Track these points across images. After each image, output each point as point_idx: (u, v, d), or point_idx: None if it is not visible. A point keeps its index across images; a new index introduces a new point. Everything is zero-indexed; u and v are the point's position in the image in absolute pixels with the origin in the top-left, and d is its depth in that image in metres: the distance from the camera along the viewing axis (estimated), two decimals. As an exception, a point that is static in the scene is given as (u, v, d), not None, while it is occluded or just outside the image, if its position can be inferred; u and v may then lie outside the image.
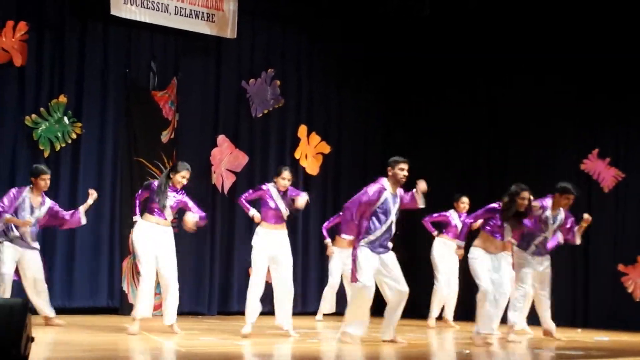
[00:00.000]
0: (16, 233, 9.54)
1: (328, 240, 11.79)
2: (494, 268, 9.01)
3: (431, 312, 11.75)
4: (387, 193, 8.64)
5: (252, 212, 9.40)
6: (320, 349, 8.31)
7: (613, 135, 12.35)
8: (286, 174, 9.38)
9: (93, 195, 9.88)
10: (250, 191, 9.64)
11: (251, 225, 11.93)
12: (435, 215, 11.78)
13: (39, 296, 9.68)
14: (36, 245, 9.71)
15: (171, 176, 9.29)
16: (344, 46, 13.73)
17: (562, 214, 9.99)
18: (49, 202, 9.80)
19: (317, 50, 13.65)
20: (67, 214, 9.87)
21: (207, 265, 12.28)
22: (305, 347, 8.49)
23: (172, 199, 9.26)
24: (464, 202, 11.76)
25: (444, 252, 11.68)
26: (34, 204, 9.63)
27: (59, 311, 10.28)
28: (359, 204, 8.59)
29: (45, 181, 9.65)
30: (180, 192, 9.36)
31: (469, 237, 9.38)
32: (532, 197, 9.28)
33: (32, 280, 9.64)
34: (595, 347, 9.19)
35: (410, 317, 11.02)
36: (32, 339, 5.68)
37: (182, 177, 9.30)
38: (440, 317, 11.88)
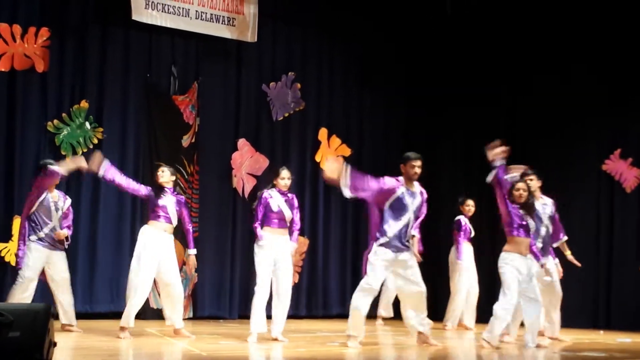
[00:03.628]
0: (45, 231, 9.54)
1: None
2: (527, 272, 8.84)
3: (449, 319, 11.71)
4: (403, 188, 8.60)
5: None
6: (342, 352, 8.31)
7: (635, 136, 12.29)
8: (284, 173, 9.30)
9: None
10: (258, 210, 9.21)
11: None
12: (461, 233, 11.67)
13: (65, 300, 9.66)
14: (62, 246, 9.73)
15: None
16: (364, 49, 13.74)
17: (549, 202, 9.85)
18: (69, 200, 9.88)
19: (337, 53, 13.66)
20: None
21: (228, 269, 12.31)
22: (327, 350, 8.49)
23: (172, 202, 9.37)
24: (469, 204, 11.72)
25: (465, 258, 11.65)
26: (52, 199, 9.65)
27: (81, 316, 10.36)
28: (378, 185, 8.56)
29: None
30: (175, 194, 9.47)
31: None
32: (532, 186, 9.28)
33: (61, 283, 9.64)
34: (617, 348, 9.15)
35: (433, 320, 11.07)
36: (55, 344, 5.73)
37: (161, 171, 9.39)
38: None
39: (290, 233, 9.30)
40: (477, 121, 13.39)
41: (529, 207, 8.96)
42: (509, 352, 8.63)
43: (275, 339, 9.02)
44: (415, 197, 8.67)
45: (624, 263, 12.07)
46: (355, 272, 13.45)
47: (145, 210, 11.50)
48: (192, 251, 9.60)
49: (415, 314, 8.76)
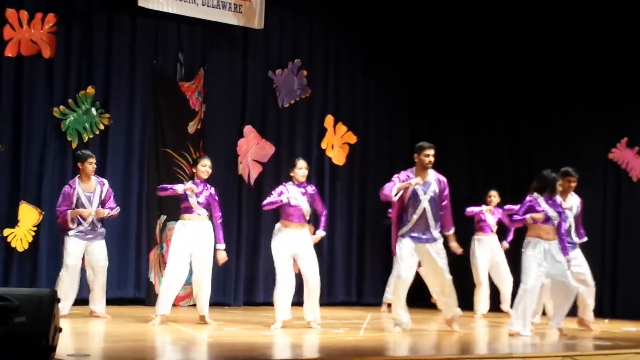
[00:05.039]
0: (85, 225, 9.68)
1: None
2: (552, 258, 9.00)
3: (477, 309, 11.77)
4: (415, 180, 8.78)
5: (283, 196, 9.19)
6: (347, 339, 8.33)
7: (642, 125, 12.27)
8: (301, 163, 9.35)
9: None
10: (271, 196, 9.36)
11: (278, 215, 12.03)
12: (474, 209, 11.71)
13: (98, 287, 9.83)
14: (102, 232, 9.91)
15: (194, 170, 9.47)
16: (370, 36, 13.71)
17: (576, 201, 10.04)
18: (106, 184, 9.97)
19: (343, 41, 13.63)
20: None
21: (233, 256, 12.29)
22: (331, 337, 8.51)
23: (202, 196, 9.36)
24: (492, 195, 11.75)
25: (482, 249, 11.68)
26: (87, 191, 9.78)
27: (85, 302, 10.36)
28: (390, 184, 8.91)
29: (92, 164, 9.84)
30: (206, 187, 9.43)
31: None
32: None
33: (96, 270, 9.81)
34: (622, 337, 9.15)
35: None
36: (60, 329, 5.74)
37: (202, 166, 9.37)
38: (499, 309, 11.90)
39: (318, 222, 9.47)
40: (482, 111, 13.38)
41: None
42: (518, 340, 8.64)
43: (309, 323, 9.19)
44: (428, 186, 8.81)
45: (629, 252, 12.06)
46: (360, 259, 13.47)
47: (151, 200, 11.59)
48: (221, 246, 9.48)
49: (443, 297, 9.14)
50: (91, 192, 9.81)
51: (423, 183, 8.85)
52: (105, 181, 10.03)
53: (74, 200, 9.71)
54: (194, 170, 9.56)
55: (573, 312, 9.98)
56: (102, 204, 9.89)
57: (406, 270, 8.82)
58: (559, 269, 8.92)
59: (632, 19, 12.07)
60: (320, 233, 9.49)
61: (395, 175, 9.00)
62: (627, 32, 12.11)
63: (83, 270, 9.91)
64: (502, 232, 11.84)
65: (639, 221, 12.09)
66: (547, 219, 8.99)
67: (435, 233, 8.93)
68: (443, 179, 9.05)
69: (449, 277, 8.98)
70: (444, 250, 9.01)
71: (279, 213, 9.43)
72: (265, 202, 9.42)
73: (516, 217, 9.17)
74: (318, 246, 13.03)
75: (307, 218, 9.33)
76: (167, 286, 9.25)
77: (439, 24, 13.80)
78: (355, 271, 13.41)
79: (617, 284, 12.13)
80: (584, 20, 12.42)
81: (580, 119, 12.47)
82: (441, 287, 9.08)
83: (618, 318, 11.61)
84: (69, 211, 9.63)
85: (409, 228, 8.86)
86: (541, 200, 9.06)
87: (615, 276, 12.15)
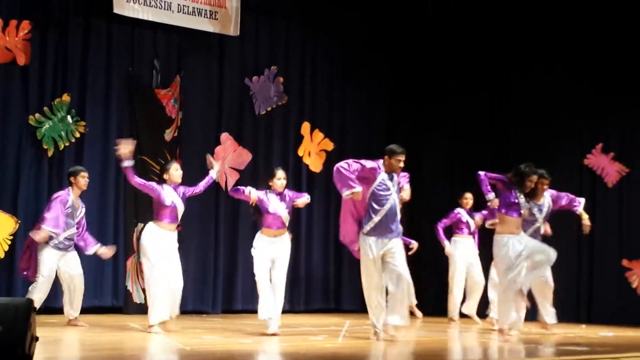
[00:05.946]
0: (60, 239, 9.62)
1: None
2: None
3: (451, 312, 11.78)
4: (383, 174, 8.67)
5: (248, 189, 9.18)
6: (326, 346, 8.31)
7: (617, 130, 12.35)
8: (280, 173, 9.31)
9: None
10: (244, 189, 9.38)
11: (256, 225, 12.01)
12: (445, 220, 11.75)
13: (73, 294, 9.79)
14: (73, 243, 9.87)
15: (165, 177, 9.37)
16: (347, 42, 13.73)
17: (548, 199, 10.03)
18: (84, 208, 10.01)
19: (320, 47, 13.64)
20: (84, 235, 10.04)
21: (211, 264, 12.28)
22: (310, 344, 8.49)
23: (178, 198, 9.30)
24: (467, 197, 11.79)
25: (460, 251, 11.71)
26: (76, 205, 9.79)
27: (62, 310, 10.30)
28: (355, 165, 8.64)
29: (85, 179, 9.83)
30: (176, 186, 9.40)
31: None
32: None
33: (70, 279, 9.77)
34: (599, 342, 9.18)
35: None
36: (37, 338, 5.70)
37: (175, 170, 9.35)
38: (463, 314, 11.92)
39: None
40: (461, 115, 13.43)
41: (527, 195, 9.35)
42: (499, 345, 8.66)
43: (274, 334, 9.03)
44: (393, 179, 8.74)
45: (605, 257, 12.14)
46: (338, 265, 13.46)
47: (128, 208, 11.53)
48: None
49: (397, 294, 8.65)
50: (77, 207, 9.82)
51: (391, 176, 8.69)
52: (84, 205, 10.01)
53: (66, 211, 9.68)
54: (166, 177, 9.42)
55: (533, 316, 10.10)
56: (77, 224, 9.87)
57: (379, 272, 8.59)
58: (534, 244, 9.27)
59: (611, 28, 12.15)
60: (304, 198, 9.43)
61: (370, 166, 8.65)
62: (605, 40, 12.19)
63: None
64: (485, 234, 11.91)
65: (614, 227, 12.17)
66: (518, 212, 9.15)
67: (399, 227, 8.68)
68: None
69: (408, 277, 8.63)
70: (402, 248, 8.79)
71: (259, 223, 9.37)
72: (233, 189, 9.46)
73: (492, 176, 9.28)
74: (296, 253, 13.10)
75: (287, 224, 9.28)
76: (164, 290, 9.16)
77: (418, 27, 13.86)
78: (333, 278, 13.41)
79: (594, 289, 12.20)
80: (564, 28, 12.51)
81: (556, 125, 12.54)
82: (397, 284, 8.57)
83: (594, 323, 11.67)
84: (44, 226, 9.51)
85: (375, 224, 8.56)
86: (517, 192, 9.18)
87: (592, 282, 12.22)
